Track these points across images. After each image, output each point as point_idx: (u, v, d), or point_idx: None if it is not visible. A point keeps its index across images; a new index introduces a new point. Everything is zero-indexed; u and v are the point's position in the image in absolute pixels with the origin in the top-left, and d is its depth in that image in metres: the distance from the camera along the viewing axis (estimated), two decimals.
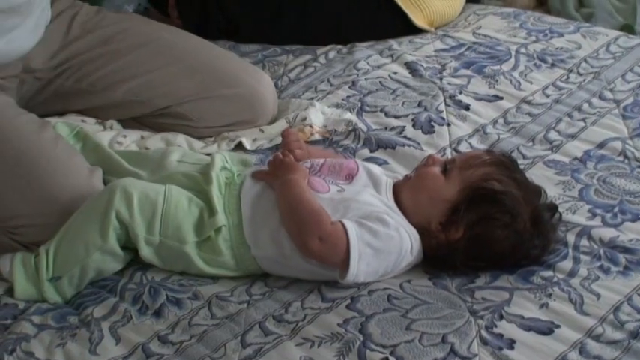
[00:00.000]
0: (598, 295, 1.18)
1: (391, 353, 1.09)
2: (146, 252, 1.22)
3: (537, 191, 1.28)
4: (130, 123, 1.62)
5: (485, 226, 1.20)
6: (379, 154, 1.54)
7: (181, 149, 1.47)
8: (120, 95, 1.58)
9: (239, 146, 1.58)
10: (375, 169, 1.32)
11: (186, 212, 1.23)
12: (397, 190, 1.27)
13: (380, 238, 1.17)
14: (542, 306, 1.17)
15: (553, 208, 1.29)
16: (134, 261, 1.26)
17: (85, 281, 1.23)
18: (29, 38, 1.49)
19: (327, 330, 1.13)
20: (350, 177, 1.27)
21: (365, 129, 1.61)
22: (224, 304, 1.19)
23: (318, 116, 1.64)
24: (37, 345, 1.13)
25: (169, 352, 1.11)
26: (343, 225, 1.17)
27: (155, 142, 1.57)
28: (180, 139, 1.58)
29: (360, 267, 1.17)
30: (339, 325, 1.14)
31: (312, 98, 1.72)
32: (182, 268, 1.24)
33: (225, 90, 1.60)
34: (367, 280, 1.19)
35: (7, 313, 1.19)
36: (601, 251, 1.27)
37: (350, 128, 1.61)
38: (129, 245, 1.23)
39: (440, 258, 1.23)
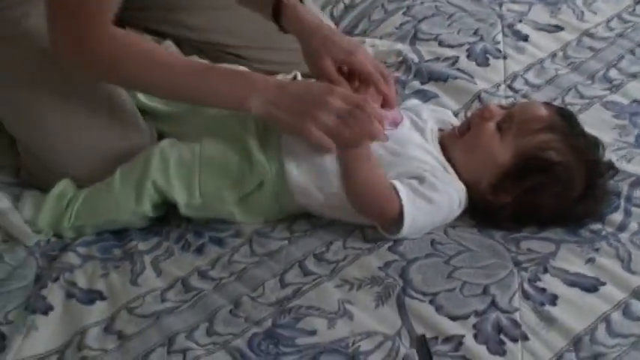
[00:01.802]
0: None
1: (431, 302, 1.08)
2: (188, 212, 1.20)
3: (595, 151, 1.23)
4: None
5: (537, 194, 1.17)
6: (429, 87, 1.49)
7: None
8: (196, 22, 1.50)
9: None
10: (420, 111, 1.27)
11: (224, 170, 1.19)
12: (447, 143, 1.23)
13: (429, 200, 1.15)
14: (588, 261, 1.14)
15: (609, 168, 1.25)
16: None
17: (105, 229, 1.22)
18: None
19: (368, 272, 1.12)
20: (394, 124, 1.23)
21: (416, 59, 1.56)
22: (265, 241, 1.18)
23: (369, 50, 1.59)
24: (80, 275, 1.14)
25: (208, 287, 1.12)
26: (399, 196, 1.13)
27: None
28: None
29: (414, 223, 1.15)
30: (379, 268, 1.13)
31: (364, 31, 1.67)
32: (226, 218, 1.22)
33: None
34: (412, 236, 1.17)
35: (56, 245, 1.20)
36: None
37: (399, 59, 1.56)
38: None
39: (485, 214, 1.20)
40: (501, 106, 1.28)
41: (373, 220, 1.17)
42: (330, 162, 1.17)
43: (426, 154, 1.21)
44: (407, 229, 1.14)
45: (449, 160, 1.22)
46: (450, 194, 1.17)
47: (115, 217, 1.20)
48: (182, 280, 1.13)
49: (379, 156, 1.18)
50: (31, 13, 1.22)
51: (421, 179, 1.16)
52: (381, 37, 1.64)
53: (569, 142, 1.20)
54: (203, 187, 1.18)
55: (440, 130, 1.27)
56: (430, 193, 1.15)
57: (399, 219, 1.14)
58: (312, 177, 1.18)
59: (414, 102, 1.39)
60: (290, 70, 1.40)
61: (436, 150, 1.22)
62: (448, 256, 1.15)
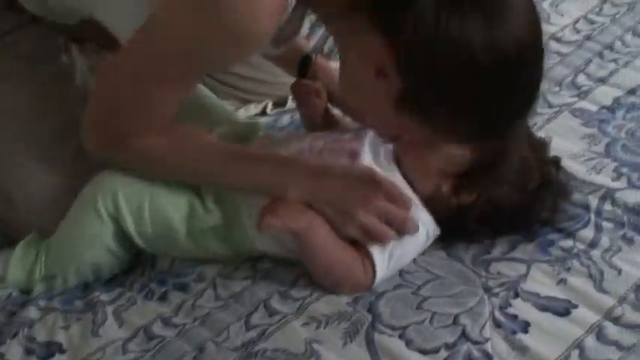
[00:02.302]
0: (619, 271, 1.12)
1: (400, 336, 1.05)
2: (141, 243, 1.17)
3: (545, 146, 1.21)
4: None
5: (497, 188, 1.14)
6: None
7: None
8: None
9: None
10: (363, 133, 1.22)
11: (176, 206, 1.15)
12: (400, 156, 1.19)
13: (404, 255, 1.13)
14: (559, 282, 1.11)
15: (557, 163, 1.22)
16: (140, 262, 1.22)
17: (79, 281, 1.18)
18: None
19: (335, 308, 1.09)
20: (354, 155, 1.19)
21: None
22: (228, 283, 1.15)
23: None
24: (39, 329, 1.11)
25: (171, 334, 1.08)
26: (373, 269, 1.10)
27: None
28: None
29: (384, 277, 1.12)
30: (347, 304, 1.10)
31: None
32: (182, 256, 1.19)
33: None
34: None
35: (16, 300, 1.17)
36: (625, 218, 1.20)
37: None
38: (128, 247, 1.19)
39: (451, 225, 1.17)
40: None
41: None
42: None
43: None
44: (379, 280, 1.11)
45: (404, 174, 1.17)
46: (418, 235, 1.13)
47: (82, 255, 1.16)
48: (144, 329, 1.10)
49: None
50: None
51: None
52: None
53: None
54: (153, 221, 1.14)
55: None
56: (402, 249, 1.12)
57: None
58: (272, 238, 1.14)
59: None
60: (262, 99, 1.38)
61: (397, 177, 1.17)
62: (417, 286, 1.12)
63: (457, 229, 1.17)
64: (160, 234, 1.15)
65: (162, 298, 1.15)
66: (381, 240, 1.10)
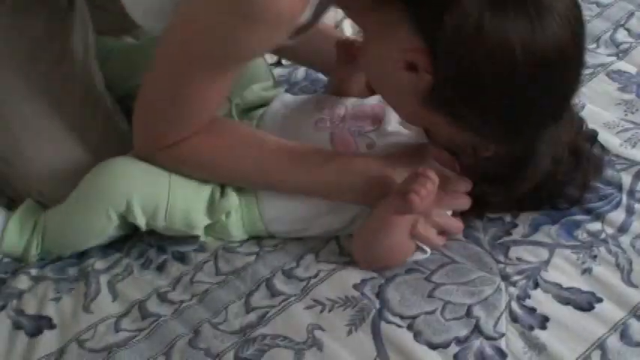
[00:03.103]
0: None
1: (409, 327, 0.98)
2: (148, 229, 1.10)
3: (577, 120, 1.11)
4: None
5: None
6: None
7: None
8: None
9: None
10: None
11: (194, 199, 1.07)
12: None
13: None
14: (584, 272, 1.03)
15: (593, 137, 1.12)
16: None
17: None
18: None
19: (341, 292, 1.02)
20: (377, 121, 1.11)
21: None
22: (231, 257, 1.08)
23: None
24: (29, 300, 1.05)
25: (167, 312, 1.02)
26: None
27: None
28: None
29: None
30: (354, 286, 1.03)
31: None
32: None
33: None
34: None
35: (8, 266, 1.10)
36: None
37: None
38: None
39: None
40: None
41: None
42: (305, 209, 1.07)
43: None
44: None
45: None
46: None
47: (83, 245, 1.10)
48: (139, 305, 1.04)
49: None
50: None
51: None
52: None
53: None
54: (170, 216, 1.07)
55: None
56: None
57: None
58: (285, 209, 1.08)
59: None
60: None
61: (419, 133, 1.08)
62: (430, 271, 1.04)
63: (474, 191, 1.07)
64: (175, 231, 1.09)
65: (160, 268, 1.08)
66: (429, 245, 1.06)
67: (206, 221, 1.08)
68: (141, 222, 1.07)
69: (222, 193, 1.09)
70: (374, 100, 1.14)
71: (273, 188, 1.08)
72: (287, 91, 1.30)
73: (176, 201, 1.06)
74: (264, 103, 1.19)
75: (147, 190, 1.06)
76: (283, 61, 1.41)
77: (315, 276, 1.05)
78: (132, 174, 1.06)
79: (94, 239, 1.10)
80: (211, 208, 1.08)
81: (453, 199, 1.06)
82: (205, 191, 1.08)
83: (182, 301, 1.04)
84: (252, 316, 1.01)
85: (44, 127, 1.13)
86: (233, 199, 1.08)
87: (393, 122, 1.11)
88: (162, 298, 1.05)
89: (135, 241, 1.13)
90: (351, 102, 1.15)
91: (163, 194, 1.06)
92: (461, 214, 1.09)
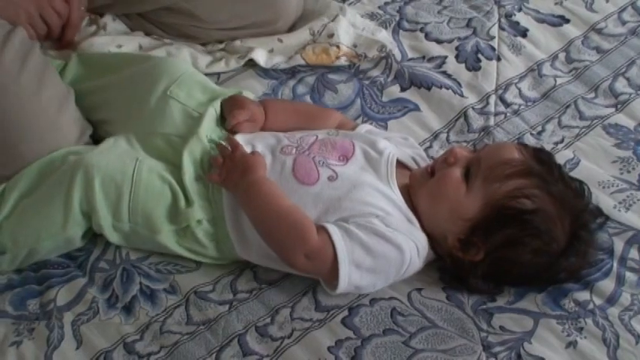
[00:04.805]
0: (638, 337, 1.01)
1: None
2: (115, 239, 1.06)
3: (579, 197, 1.07)
4: (136, 20, 1.41)
5: (511, 251, 1.01)
6: (410, 95, 1.32)
7: (181, 67, 1.23)
8: None
9: (249, 63, 1.36)
10: (376, 141, 1.10)
11: (158, 197, 1.04)
12: (415, 184, 1.07)
13: (373, 255, 1.00)
14: (569, 345, 1.00)
15: (597, 215, 1.09)
16: None
17: (28, 263, 1.07)
18: None
19: (315, 355, 0.98)
20: (344, 158, 1.07)
21: (399, 57, 1.37)
22: (203, 305, 1.03)
23: (349, 32, 1.41)
24: None
25: None
26: (330, 238, 0.99)
27: (155, 54, 1.35)
28: (185, 53, 1.36)
29: (352, 282, 1.00)
30: (329, 349, 0.99)
31: (343, 1, 1.48)
32: (160, 251, 1.08)
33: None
34: (364, 291, 1.03)
35: None
36: None
37: (382, 54, 1.38)
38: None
39: (454, 272, 1.05)
40: (470, 149, 1.14)
41: (304, 270, 1.02)
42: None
43: (380, 197, 1.04)
44: (344, 282, 0.99)
45: (413, 205, 1.06)
46: (402, 245, 1.01)
47: (37, 242, 1.05)
48: (105, 356, 0.98)
49: (320, 197, 1.03)
50: None
51: (365, 227, 1.00)
52: (362, 15, 1.45)
53: (546, 188, 1.03)
54: (132, 212, 1.04)
55: (402, 165, 1.11)
56: (371, 241, 0.99)
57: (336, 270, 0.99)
58: (252, 228, 1.04)
59: (368, 127, 1.20)
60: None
61: (393, 191, 1.05)
62: (409, 334, 1.00)
63: (460, 279, 1.05)
64: (141, 238, 1.05)
65: (128, 309, 1.03)
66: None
67: (168, 226, 1.05)
68: (105, 219, 1.03)
69: (187, 202, 1.05)
70: (346, 138, 1.11)
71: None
72: None
73: (138, 198, 1.04)
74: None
75: (110, 182, 1.03)
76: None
77: (289, 336, 1.00)
78: (97, 164, 1.04)
79: (50, 237, 1.04)
80: (174, 213, 1.05)
81: None
82: (167, 193, 1.05)
83: (150, 354, 0.99)
84: None
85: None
86: (197, 211, 1.05)
87: (358, 163, 1.07)
88: (130, 349, 1.00)
89: (98, 256, 1.08)
90: (323, 133, 1.12)
91: (126, 186, 1.03)
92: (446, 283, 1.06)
